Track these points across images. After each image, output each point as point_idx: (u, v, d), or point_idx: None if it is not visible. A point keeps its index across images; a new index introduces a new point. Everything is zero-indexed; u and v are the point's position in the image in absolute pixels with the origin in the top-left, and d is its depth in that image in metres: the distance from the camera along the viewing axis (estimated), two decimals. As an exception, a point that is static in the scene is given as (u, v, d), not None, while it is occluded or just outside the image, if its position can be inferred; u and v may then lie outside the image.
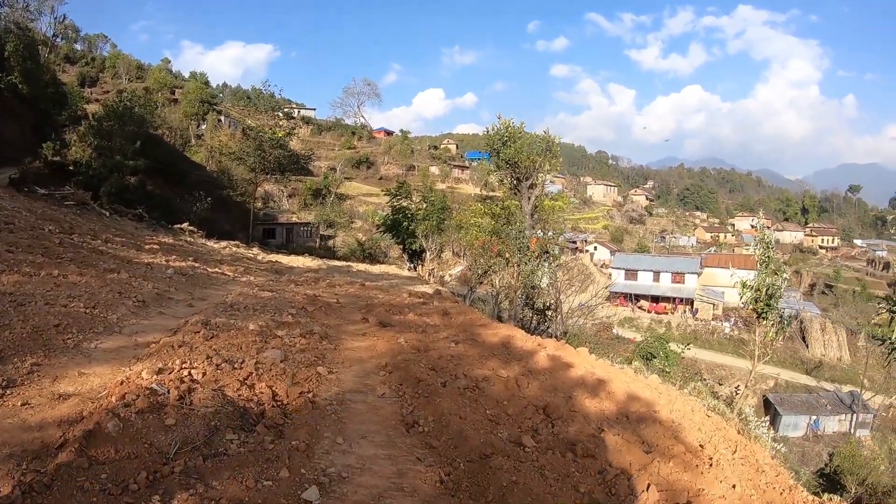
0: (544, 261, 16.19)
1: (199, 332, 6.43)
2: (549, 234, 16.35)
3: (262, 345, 6.37)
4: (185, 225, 24.05)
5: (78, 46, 68.17)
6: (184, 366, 5.32)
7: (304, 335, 7.31)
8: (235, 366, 5.53)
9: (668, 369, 26.75)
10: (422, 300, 11.91)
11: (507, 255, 14.49)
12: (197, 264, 13.88)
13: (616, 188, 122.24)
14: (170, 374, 5.12)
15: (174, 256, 12.68)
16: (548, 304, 19.17)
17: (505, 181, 15.44)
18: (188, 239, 21.98)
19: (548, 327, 18.91)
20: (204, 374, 5.30)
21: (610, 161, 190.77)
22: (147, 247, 13.25)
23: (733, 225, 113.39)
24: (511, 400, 6.11)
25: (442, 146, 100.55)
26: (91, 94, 39.16)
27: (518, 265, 14.63)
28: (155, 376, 5.06)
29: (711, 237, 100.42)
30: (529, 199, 14.74)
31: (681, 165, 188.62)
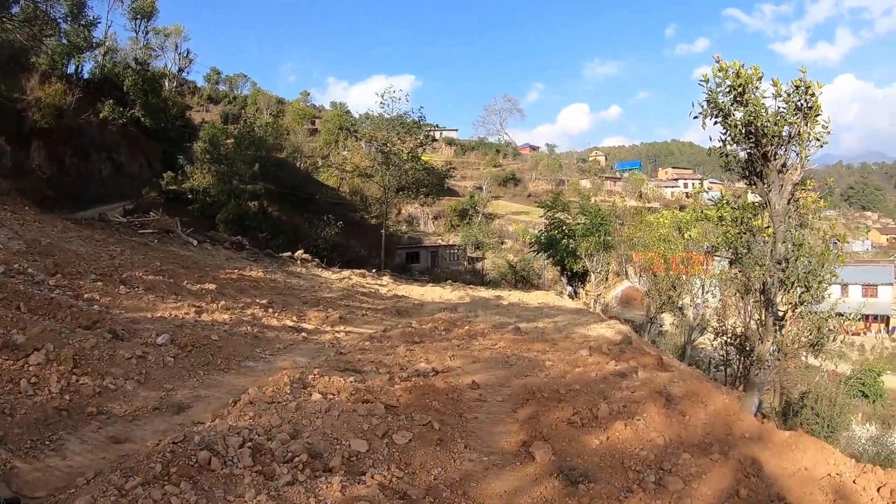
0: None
1: None
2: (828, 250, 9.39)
3: None
4: (297, 253, 21.27)
5: (221, 87, 73.00)
6: None
7: None
8: None
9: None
10: (615, 365, 6.97)
11: (756, 287, 8.35)
12: (269, 311, 10.10)
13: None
14: None
15: (225, 301, 8.86)
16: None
17: (732, 164, 8.87)
18: (298, 270, 18.96)
19: (763, 374, 12.08)
20: None
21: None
22: (196, 287, 9.67)
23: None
24: None
25: (591, 159, 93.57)
26: (234, 129, 40.14)
27: (795, 307, 8.25)
28: None
29: (888, 240, 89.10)
30: (781, 187, 8.20)
31: (839, 163, 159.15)
